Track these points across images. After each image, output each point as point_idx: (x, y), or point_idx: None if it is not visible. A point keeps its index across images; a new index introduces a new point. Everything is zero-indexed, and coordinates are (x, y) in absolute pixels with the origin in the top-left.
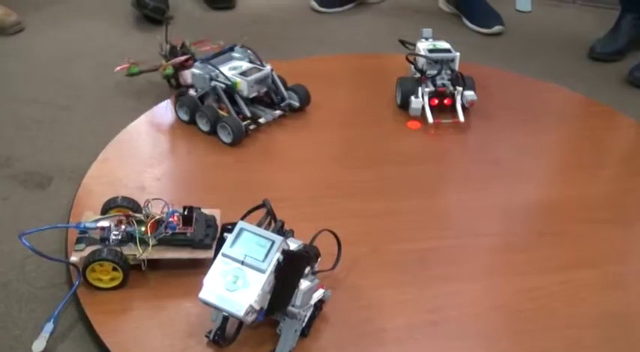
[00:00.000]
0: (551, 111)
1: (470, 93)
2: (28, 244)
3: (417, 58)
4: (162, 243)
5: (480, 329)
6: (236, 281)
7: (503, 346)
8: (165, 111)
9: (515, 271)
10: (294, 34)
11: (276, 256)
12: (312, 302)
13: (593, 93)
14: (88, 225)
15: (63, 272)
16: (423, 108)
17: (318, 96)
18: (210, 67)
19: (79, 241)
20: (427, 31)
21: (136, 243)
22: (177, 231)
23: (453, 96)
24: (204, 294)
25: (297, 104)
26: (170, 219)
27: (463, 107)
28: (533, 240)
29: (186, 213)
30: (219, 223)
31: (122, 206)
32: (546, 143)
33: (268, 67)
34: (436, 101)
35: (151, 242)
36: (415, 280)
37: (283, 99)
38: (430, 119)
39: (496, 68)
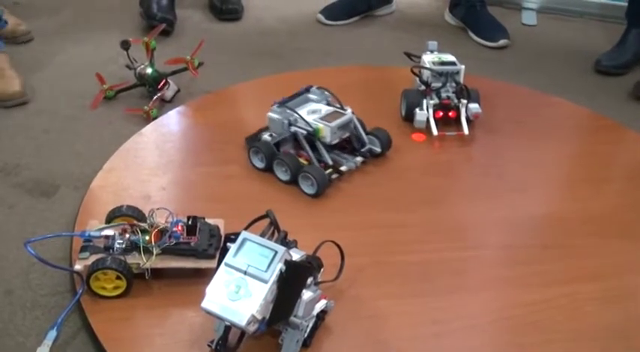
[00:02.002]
0: (556, 125)
1: (474, 106)
2: (33, 252)
3: (422, 70)
4: (166, 252)
5: (483, 341)
6: (238, 291)
7: None
8: (170, 120)
9: (519, 284)
10: (300, 46)
11: (278, 266)
12: (315, 312)
13: (599, 106)
14: (92, 233)
15: (67, 280)
16: (428, 120)
17: None
18: (288, 111)
19: (83, 249)
20: (433, 44)
21: (140, 252)
22: (181, 240)
23: (457, 109)
24: (207, 304)
25: (378, 149)
26: (174, 229)
27: (468, 120)
28: (537, 253)
29: (190, 222)
30: (222, 233)
31: (127, 215)
32: (551, 156)
33: (349, 111)
34: (441, 113)
35: (155, 251)
36: (418, 292)
37: (364, 144)
38: (435, 131)
39: (501, 81)
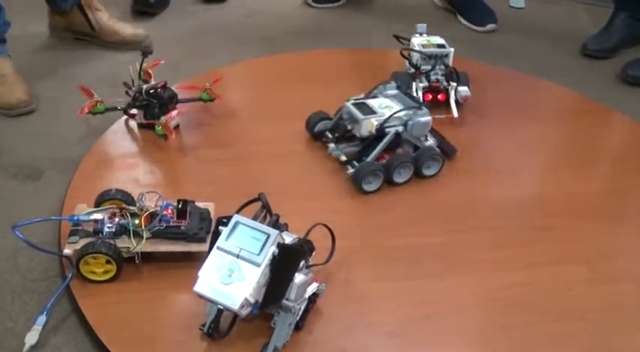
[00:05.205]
0: (543, 108)
1: (463, 89)
2: (21, 236)
3: (411, 53)
4: (156, 236)
5: (471, 322)
6: (231, 274)
7: (494, 339)
8: None
9: (505, 266)
10: (288, 29)
11: (271, 250)
12: (307, 295)
13: (586, 90)
14: (81, 217)
15: (56, 264)
16: None
17: (311, 90)
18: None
19: (72, 234)
20: (422, 27)
21: (129, 235)
22: (171, 224)
23: (446, 92)
24: (199, 287)
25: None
26: (164, 212)
27: (457, 102)
28: (524, 235)
29: (180, 206)
30: (213, 216)
31: (116, 198)
32: (538, 139)
33: (396, 129)
34: (430, 96)
35: (145, 235)
36: (407, 274)
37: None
38: None
39: (489, 64)
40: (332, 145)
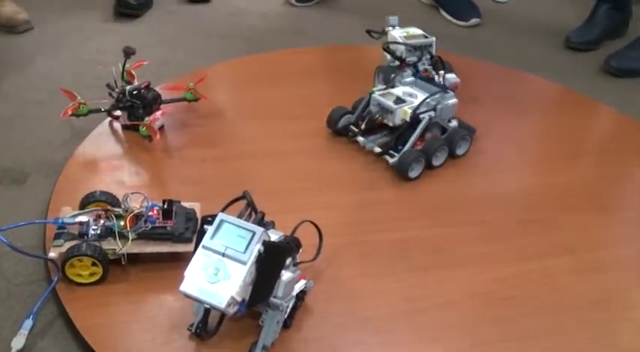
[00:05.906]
0: (528, 101)
1: (452, 76)
2: (5, 240)
3: (392, 46)
4: (142, 237)
5: (461, 316)
6: (217, 273)
7: (484, 333)
8: None
9: (494, 259)
10: (271, 27)
11: (257, 247)
12: (294, 293)
13: (570, 82)
14: (66, 220)
15: (41, 268)
16: None
17: (296, 88)
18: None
19: (57, 237)
20: (393, 19)
21: (115, 237)
22: (157, 224)
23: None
24: (186, 287)
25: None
26: (149, 213)
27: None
28: (512, 228)
29: (165, 206)
30: (199, 216)
31: (100, 200)
32: (525, 132)
33: (427, 116)
34: None
35: (131, 236)
36: (395, 270)
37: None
38: None
39: (473, 58)
40: (361, 138)
